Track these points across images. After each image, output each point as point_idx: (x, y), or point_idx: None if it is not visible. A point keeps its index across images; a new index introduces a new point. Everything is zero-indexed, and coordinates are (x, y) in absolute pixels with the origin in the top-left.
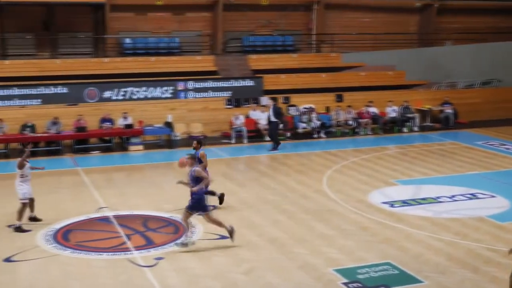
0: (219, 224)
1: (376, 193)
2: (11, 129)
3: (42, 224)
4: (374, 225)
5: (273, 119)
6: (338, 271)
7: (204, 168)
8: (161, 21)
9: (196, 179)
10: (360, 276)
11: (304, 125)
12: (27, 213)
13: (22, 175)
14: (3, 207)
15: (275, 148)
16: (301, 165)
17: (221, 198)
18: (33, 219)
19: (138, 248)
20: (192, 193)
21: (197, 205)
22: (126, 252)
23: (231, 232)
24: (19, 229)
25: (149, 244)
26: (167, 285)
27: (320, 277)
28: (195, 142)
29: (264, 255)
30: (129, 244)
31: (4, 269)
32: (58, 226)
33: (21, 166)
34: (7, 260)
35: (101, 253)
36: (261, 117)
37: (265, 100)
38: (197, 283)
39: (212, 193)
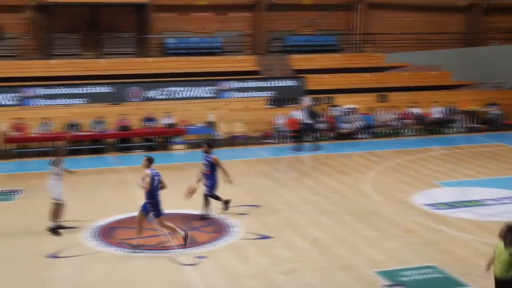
0: (139, 232)
1: (420, 195)
2: (56, 128)
3: (86, 221)
4: (418, 227)
5: (307, 121)
6: (381, 273)
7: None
8: (203, 21)
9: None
10: (404, 279)
11: (346, 125)
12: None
13: (56, 173)
14: (46, 204)
15: (303, 149)
16: (343, 165)
17: (226, 203)
18: (58, 227)
19: (180, 246)
20: (148, 197)
21: (157, 207)
22: (168, 251)
23: (136, 247)
24: (58, 228)
25: (191, 243)
26: (209, 284)
27: (362, 278)
28: (205, 145)
29: (305, 256)
30: (171, 242)
31: (50, 264)
32: (101, 223)
33: (56, 163)
34: (53, 256)
35: (143, 251)
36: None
37: (306, 100)
38: (238, 283)
39: (217, 198)
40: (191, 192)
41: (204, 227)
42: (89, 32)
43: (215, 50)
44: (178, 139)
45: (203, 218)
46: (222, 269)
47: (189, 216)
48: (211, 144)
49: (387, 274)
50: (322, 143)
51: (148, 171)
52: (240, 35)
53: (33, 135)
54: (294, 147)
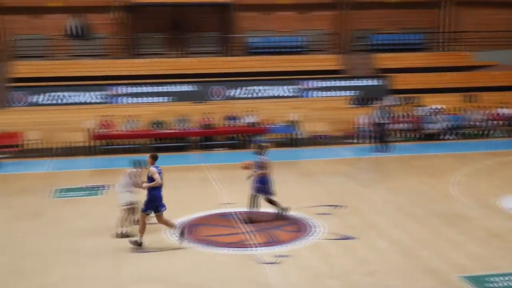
0: (170, 225)
1: (510, 199)
2: (142, 125)
3: (169, 218)
4: (507, 232)
5: (381, 120)
6: (467, 278)
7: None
8: (286, 20)
9: (150, 179)
10: (491, 285)
11: (432, 125)
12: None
13: (127, 184)
14: None
15: (382, 150)
16: (429, 167)
17: (281, 212)
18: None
19: (261, 245)
20: (148, 193)
21: (150, 204)
22: (249, 249)
23: (182, 233)
24: (125, 236)
25: (273, 241)
26: (289, 283)
27: (447, 283)
28: (256, 146)
29: (387, 257)
30: (252, 240)
31: (131, 260)
32: (184, 220)
33: (135, 176)
34: (135, 251)
35: (225, 248)
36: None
37: (388, 99)
38: (318, 282)
39: (273, 203)
40: (246, 166)
41: (285, 226)
42: (174, 31)
43: (298, 49)
44: (260, 138)
45: (282, 217)
46: (303, 269)
47: (271, 215)
48: (261, 146)
49: (473, 279)
50: (407, 143)
51: (153, 168)
52: (324, 33)
53: (119, 132)
54: (377, 148)
